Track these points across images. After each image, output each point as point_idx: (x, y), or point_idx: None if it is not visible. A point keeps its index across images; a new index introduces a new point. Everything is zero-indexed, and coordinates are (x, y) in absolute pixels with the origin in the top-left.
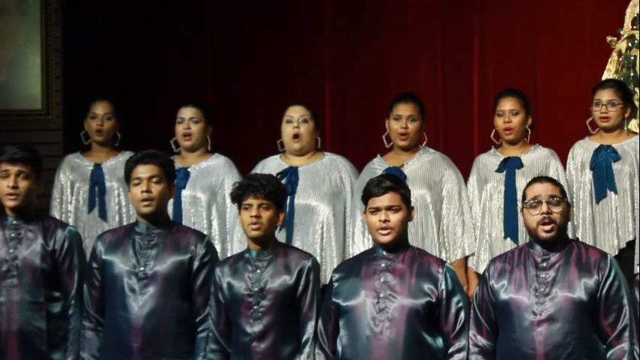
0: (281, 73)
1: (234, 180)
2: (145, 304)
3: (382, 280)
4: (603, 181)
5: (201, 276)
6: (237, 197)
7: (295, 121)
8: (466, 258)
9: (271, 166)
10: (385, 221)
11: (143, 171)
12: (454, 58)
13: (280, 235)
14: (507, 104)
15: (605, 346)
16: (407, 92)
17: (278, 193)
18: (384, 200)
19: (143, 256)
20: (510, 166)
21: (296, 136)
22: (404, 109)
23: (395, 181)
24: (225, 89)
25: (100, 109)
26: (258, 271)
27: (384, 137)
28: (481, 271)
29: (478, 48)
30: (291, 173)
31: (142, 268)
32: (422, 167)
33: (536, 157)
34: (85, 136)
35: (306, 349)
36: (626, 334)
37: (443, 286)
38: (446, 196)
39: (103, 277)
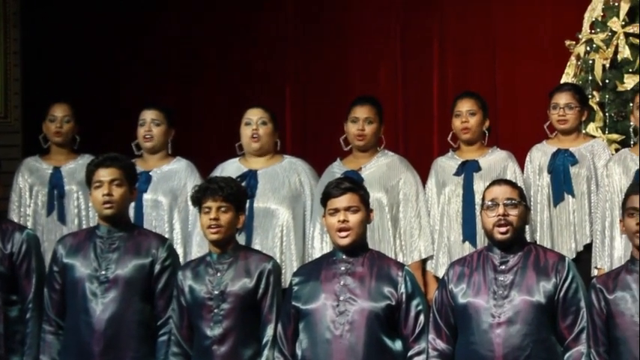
0: (242, 76)
1: (195, 183)
2: (107, 308)
3: (342, 283)
4: (561, 185)
5: (163, 279)
6: (197, 200)
7: (254, 123)
8: (424, 261)
9: (230, 169)
10: (344, 222)
11: (104, 174)
12: (414, 61)
13: (239, 239)
14: (465, 105)
15: (562, 349)
16: (365, 95)
17: (237, 196)
18: (343, 201)
19: (104, 259)
20: (468, 169)
21: (254, 137)
22: (361, 112)
23: (353, 183)
24: (185, 92)
25: (59, 111)
26: (219, 274)
27: (341, 140)
28: (440, 275)
29: (438, 51)
30: (251, 176)
31: (103, 272)
32: (379, 170)
33: (494, 160)
34: (43, 139)
35: (266, 352)
36: (584, 336)
37: (403, 289)
38: (403, 199)
39: (64, 280)
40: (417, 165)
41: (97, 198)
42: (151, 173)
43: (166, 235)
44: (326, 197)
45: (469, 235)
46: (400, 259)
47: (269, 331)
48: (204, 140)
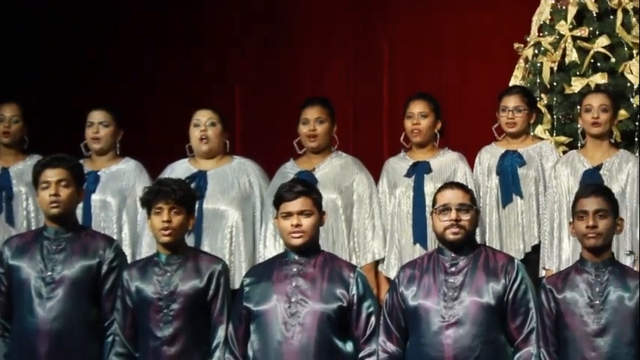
0: (192, 77)
1: (144, 184)
2: (53, 309)
3: (294, 284)
4: (509, 186)
5: (110, 280)
6: (148, 202)
7: (202, 124)
8: (376, 262)
9: (180, 170)
10: (297, 226)
11: (51, 175)
12: (364, 62)
13: (189, 240)
14: (417, 107)
15: (512, 349)
16: (316, 97)
17: (189, 198)
18: (296, 205)
19: (51, 260)
20: (419, 170)
21: (203, 138)
22: (311, 112)
23: (307, 186)
24: (135, 92)
25: (8, 111)
26: (168, 274)
27: (295, 143)
28: (391, 276)
29: (388, 53)
30: (200, 177)
31: (49, 273)
32: (333, 171)
33: (445, 162)
34: None
35: (217, 354)
36: (533, 337)
37: (354, 291)
38: (357, 200)
39: (10, 282)
40: (367, 166)
41: (43, 198)
42: (99, 174)
43: (115, 236)
44: (279, 200)
45: (419, 236)
46: (354, 260)
47: (220, 333)
48: (154, 141)
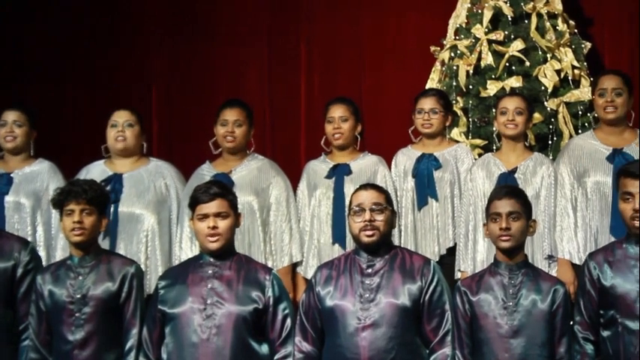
0: (107, 77)
1: (58, 185)
2: None
3: (209, 286)
4: (425, 189)
5: (25, 283)
6: (59, 203)
7: (120, 125)
8: (294, 265)
9: (95, 172)
10: (214, 227)
11: None
12: (282, 65)
13: (104, 244)
14: (337, 111)
15: (428, 351)
16: (234, 98)
17: (101, 199)
18: (212, 207)
19: None
20: (339, 172)
21: (120, 139)
22: (230, 114)
23: (222, 188)
24: (51, 92)
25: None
26: (80, 277)
27: (210, 143)
28: (310, 277)
29: (305, 56)
30: (116, 180)
31: None
32: (250, 174)
33: (365, 164)
34: None
35: (130, 357)
36: (448, 338)
37: (270, 293)
38: (274, 202)
39: None
40: (285, 168)
41: None
42: (12, 175)
43: (29, 238)
44: (194, 202)
45: (339, 237)
46: (270, 263)
47: (132, 336)
48: (69, 141)
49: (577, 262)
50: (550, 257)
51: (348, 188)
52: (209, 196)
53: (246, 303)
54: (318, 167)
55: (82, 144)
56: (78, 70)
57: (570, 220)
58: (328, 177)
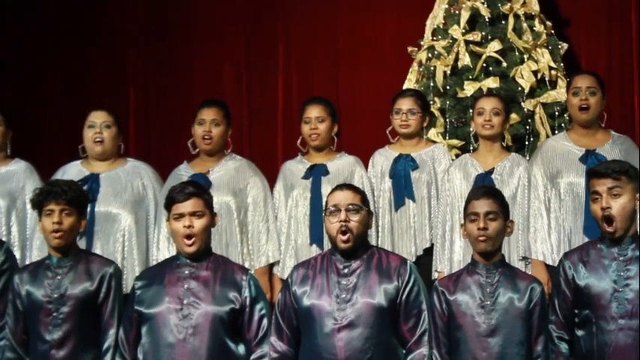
0: (84, 77)
1: (34, 185)
2: None
3: (186, 287)
4: (402, 189)
5: (0, 283)
6: (38, 203)
7: (97, 126)
8: (271, 265)
9: (72, 172)
10: (189, 227)
11: None
12: (259, 65)
13: (80, 244)
14: (314, 111)
15: (404, 351)
16: (212, 98)
17: (80, 199)
18: (188, 206)
19: None
20: (316, 173)
21: (98, 140)
22: (208, 114)
23: (197, 187)
24: (28, 92)
25: None
26: (59, 277)
27: (189, 143)
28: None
29: (282, 56)
30: (92, 180)
31: None
32: (227, 174)
33: (342, 165)
34: None
35: (107, 357)
36: (425, 338)
37: (246, 294)
38: (251, 203)
39: None
40: (262, 168)
41: None
42: None
43: (3, 239)
44: (170, 202)
45: (316, 238)
46: (247, 263)
47: (110, 336)
48: (48, 142)
49: (551, 262)
50: (524, 258)
51: (325, 189)
52: (184, 196)
53: (222, 303)
54: (295, 168)
55: (58, 144)
56: (54, 70)
57: (544, 222)
58: (305, 177)
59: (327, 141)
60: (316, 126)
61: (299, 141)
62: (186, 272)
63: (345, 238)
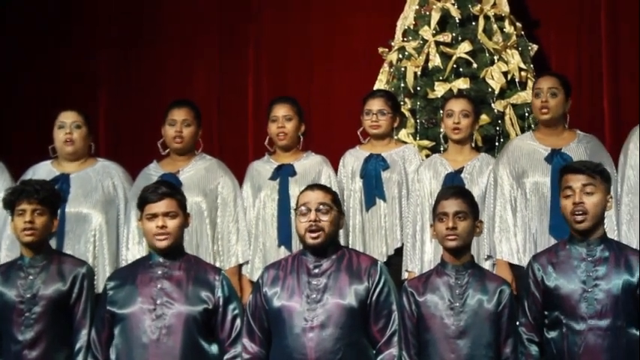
0: (55, 77)
1: (6, 185)
2: None
3: (159, 287)
4: (372, 189)
5: None
6: (10, 203)
7: (67, 126)
8: (240, 266)
9: (42, 172)
10: (163, 227)
11: None
12: (230, 66)
13: (51, 244)
14: (281, 110)
15: (375, 352)
16: (182, 99)
17: (52, 199)
18: (161, 206)
19: None
20: (284, 173)
21: (68, 140)
22: (178, 114)
23: (171, 188)
24: None
25: None
26: (31, 277)
27: (159, 144)
28: (255, 279)
29: (253, 57)
30: (63, 181)
31: None
32: (198, 174)
33: (309, 165)
34: None
35: (79, 358)
36: (395, 339)
37: (219, 294)
38: (221, 203)
39: None
40: (232, 169)
41: None
42: None
43: None
44: (143, 202)
45: (284, 239)
46: (218, 263)
47: (82, 336)
48: (17, 141)
49: (516, 262)
50: (489, 257)
51: (293, 189)
52: (158, 196)
53: (195, 303)
54: (262, 168)
55: (29, 144)
56: (24, 70)
57: (509, 221)
58: (272, 178)
59: (294, 140)
60: (283, 124)
61: (266, 141)
62: (159, 272)
63: (314, 235)
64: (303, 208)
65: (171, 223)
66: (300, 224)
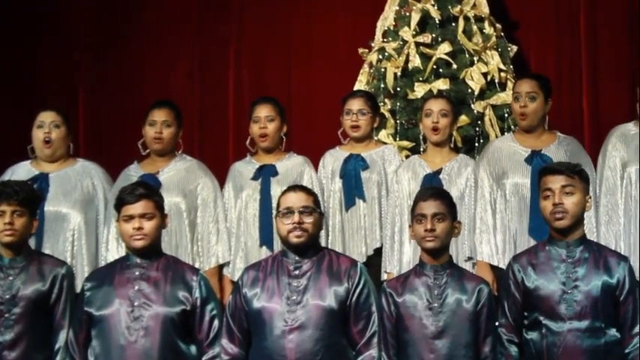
0: (33, 77)
1: None
2: None
3: (136, 288)
4: (352, 189)
5: None
6: None
7: (46, 126)
8: (221, 266)
9: (21, 172)
10: (139, 229)
11: None
12: (210, 66)
13: (30, 244)
14: (263, 110)
15: (354, 353)
16: (163, 99)
17: (32, 200)
18: (138, 208)
19: None
20: (265, 174)
21: (47, 140)
22: (159, 115)
23: (148, 189)
24: None
25: None
26: (10, 278)
27: (139, 144)
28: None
29: (234, 57)
30: (42, 180)
31: None
32: (177, 174)
33: (291, 165)
34: None
35: (58, 359)
36: (375, 340)
37: (197, 294)
38: (201, 204)
39: None
40: (213, 169)
41: None
42: None
43: None
44: (120, 203)
45: (266, 239)
46: (197, 264)
47: (62, 337)
48: None
49: (495, 263)
50: (470, 259)
51: (275, 190)
52: (134, 197)
53: (173, 304)
54: (244, 169)
55: (7, 144)
56: (3, 69)
57: (489, 222)
58: (254, 179)
59: (276, 141)
60: (265, 125)
61: (248, 141)
62: (137, 273)
63: (298, 233)
64: (285, 210)
65: (148, 225)
66: (284, 226)
